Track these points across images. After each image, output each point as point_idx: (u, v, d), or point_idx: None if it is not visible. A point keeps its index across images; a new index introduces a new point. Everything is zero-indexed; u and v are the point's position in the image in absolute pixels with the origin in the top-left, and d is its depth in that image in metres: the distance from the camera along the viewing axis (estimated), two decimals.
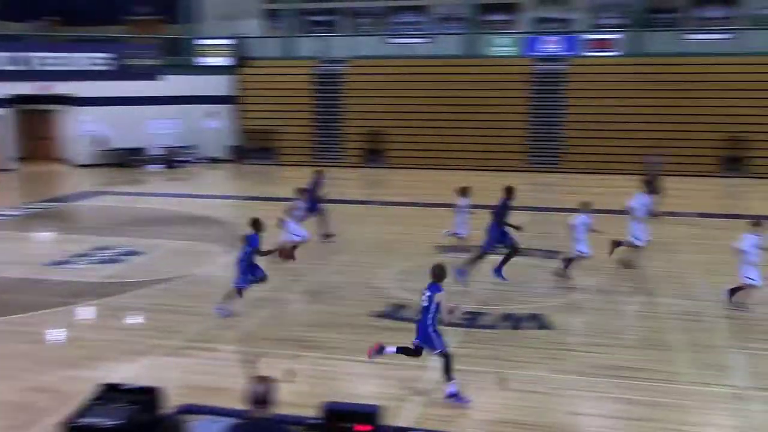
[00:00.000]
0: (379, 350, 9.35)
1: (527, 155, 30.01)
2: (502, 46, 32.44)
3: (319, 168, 19.02)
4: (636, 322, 12.20)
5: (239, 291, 12.10)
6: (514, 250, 13.86)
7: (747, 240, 12.03)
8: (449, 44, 32.90)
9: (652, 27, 32.11)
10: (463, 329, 11.49)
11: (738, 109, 27.86)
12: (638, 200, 14.89)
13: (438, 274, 8.98)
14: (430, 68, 31.64)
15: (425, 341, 8.93)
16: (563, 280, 13.82)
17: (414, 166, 30.05)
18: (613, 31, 31.88)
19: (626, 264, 14.76)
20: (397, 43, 33.84)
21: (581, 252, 13.74)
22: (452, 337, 11.09)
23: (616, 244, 14.83)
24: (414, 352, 9.20)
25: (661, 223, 17.84)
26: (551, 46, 31.49)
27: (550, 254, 15.76)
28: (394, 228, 19.28)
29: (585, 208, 13.82)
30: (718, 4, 32.56)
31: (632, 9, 32.11)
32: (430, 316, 8.82)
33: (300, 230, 15.43)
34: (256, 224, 12.21)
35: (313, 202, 17.09)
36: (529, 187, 23.87)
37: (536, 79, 30.82)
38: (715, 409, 8.90)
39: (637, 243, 14.61)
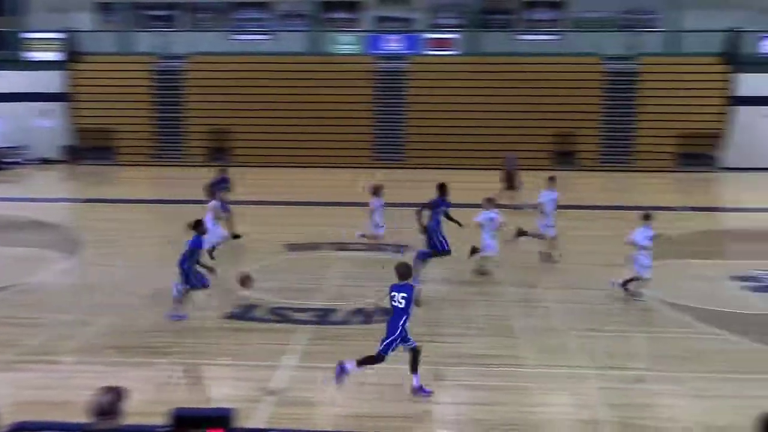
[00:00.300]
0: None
1: (372, 152, 30.43)
2: (346, 44, 32.70)
3: (221, 166, 18.37)
4: (482, 310, 12.61)
5: (193, 289, 11.69)
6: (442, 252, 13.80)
7: (639, 233, 12.60)
8: (293, 41, 32.75)
9: (488, 27, 33.45)
10: (314, 326, 11.48)
11: (566, 106, 29.59)
12: (545, 196, 15.40)
13: (405, 272, 8.89)
14: (273, 65, 31.37)
15: (387, 337, 8.76)
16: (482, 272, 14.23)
17: (260, 164, 29.65)
18: (452, 30, 32.93)
19: (546, 258, 15.38)
20: (239, 39, 33.28)
21: (488, 249, 13.96)
22: (302, 335, 11.07)
23: (521, 234, 15.49)
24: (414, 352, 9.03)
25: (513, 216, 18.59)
26: (393, 44, 32.09)
27: (399, 249, 16.04)
28: (242, 228, 18.93)
29: (489, 204, 14.07)
30: (547, 7, 34.38)
31: (469, 10, 33.31)
32: (405, 316, 8.72)
33: (219, 231, 14.77)
34: (198, 226, 11.83)
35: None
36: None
37: (379, 77, 31.31)
38: (557, 390, 9.38)
39: (551, 233, 15.24)
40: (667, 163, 29.41)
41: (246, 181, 27.73)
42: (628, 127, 30.26)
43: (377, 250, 15.80)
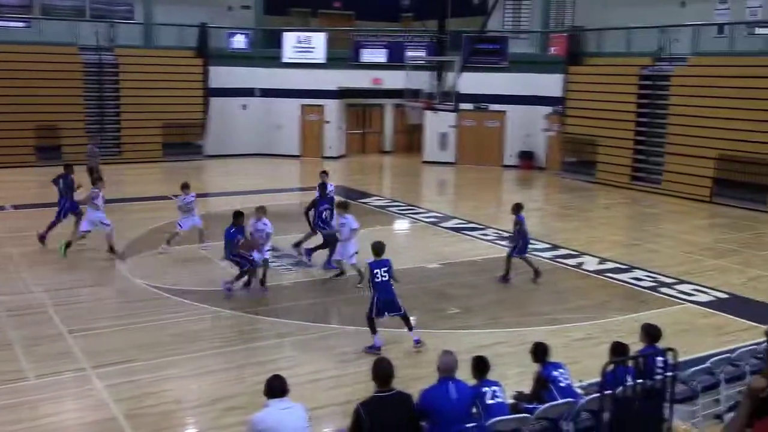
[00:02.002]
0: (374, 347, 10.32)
1: None
2: None
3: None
4: None
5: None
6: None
7: (343, 220, 13.42)
8: None
9: None
10: None
11: (47, 98, 28.03)
12: (183, 199, 15.83)
13: (380, 249, 10.53)
14: None
15: (393, 307, 10.36)
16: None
17: None
18: None
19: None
20: None
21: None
22: None
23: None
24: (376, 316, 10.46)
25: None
26: None
27: None
28: None
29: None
30: None
31: None
32: (391, 283, 10.41)
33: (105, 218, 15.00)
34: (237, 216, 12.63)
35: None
36: None
37: None
38: (65, 396, 9.17)
39: (181, 230, 15.88)
40: (154, 153, 30.10)
41: None
42: (114, 119, 30.08)
43: None
